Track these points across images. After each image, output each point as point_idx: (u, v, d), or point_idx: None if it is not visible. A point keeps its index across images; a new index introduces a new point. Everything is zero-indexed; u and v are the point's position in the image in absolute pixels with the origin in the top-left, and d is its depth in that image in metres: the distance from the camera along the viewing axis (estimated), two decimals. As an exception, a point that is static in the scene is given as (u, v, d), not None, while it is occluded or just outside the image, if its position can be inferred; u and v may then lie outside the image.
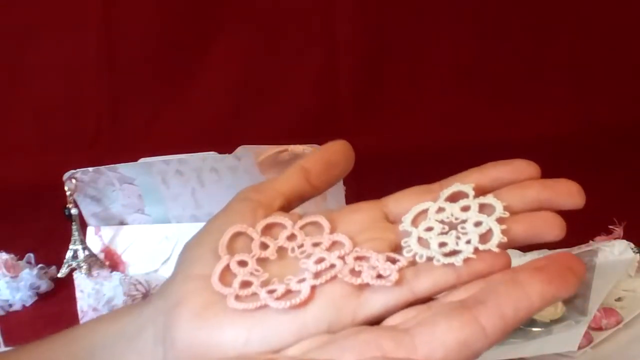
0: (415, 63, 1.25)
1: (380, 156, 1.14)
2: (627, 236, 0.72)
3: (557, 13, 1.26)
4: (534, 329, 0.63)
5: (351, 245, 0.33)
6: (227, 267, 0.32)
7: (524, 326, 0.63)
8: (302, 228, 0.35)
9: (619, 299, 0.67)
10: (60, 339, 0.37)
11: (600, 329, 0.64)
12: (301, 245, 0.34)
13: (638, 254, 0.70)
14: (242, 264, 0.33)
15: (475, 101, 1.25)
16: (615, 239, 0.72)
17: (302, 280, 0.32)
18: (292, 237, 0.34)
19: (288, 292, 0.31)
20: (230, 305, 0.31)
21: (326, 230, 0.34)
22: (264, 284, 0.32)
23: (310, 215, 0.35)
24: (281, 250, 0.34)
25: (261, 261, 0.33)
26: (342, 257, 0.32)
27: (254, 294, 0.31)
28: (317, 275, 0.32)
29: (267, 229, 0.34)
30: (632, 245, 0.71)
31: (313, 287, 0.31)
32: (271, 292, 0.31)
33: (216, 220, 0.35)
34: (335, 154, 0.38)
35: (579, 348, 0.61)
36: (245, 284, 0.32)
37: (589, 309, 0.63)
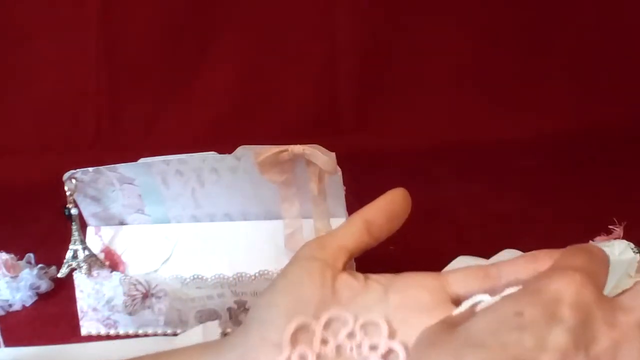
0: (415, 63, 1.25)
1: (379, 156, 1.15)
2: (627, 236, 0.72)
3: (557, 13, 1.26)
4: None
5: (405, 357, 0.34)
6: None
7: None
8: (362, 327, 0.36)
9: (619, 299, 0.67)
10: None
11: (600, 328, 0.64)
12: (360, 346, 0.35)
13: (638, 254, 0.70)
14: (303, 358, 0.35)
15: (475, 101, 1.25)
16: (615, 239, 0.72)
17: None
18: (351, 335, 0.36)
19: None
20: None
21: (384, 334, 0.35)
22: None
23: (372, 313, 0.36)
24: (340, 348, 0.36)
25: (320, 357, 0.35)
26: None
27: None
28: None
29: (329, 321, 0.36)
30: (632, 245, 0.71)
31: None
32: None
33: (285, 279, 0.36)
34: (395, 204, 0.38)
35: (579, 348, 0.61)
36: None
37: (589, 309, 0.63)
